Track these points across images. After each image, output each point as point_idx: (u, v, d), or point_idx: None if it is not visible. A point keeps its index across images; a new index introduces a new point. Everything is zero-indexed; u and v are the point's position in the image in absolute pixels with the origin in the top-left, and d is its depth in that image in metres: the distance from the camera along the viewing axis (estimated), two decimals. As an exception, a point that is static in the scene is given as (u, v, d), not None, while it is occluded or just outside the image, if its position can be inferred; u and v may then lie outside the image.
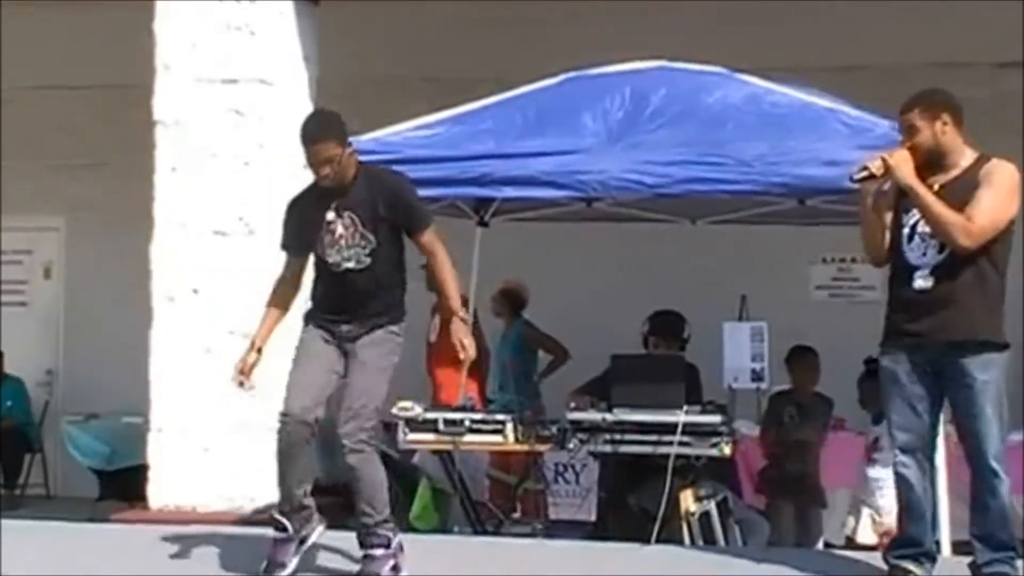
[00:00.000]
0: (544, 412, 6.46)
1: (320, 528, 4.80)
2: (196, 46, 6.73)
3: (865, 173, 4.48)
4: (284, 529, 4.70)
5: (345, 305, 4.65)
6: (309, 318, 4.77)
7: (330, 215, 4.60)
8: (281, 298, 4.82)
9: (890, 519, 6.17)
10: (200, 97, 6.69)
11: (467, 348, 4.68)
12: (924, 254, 4.41)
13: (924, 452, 4.47)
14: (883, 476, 6.34)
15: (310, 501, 4.76)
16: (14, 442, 9.77)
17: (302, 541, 4.74)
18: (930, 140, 4.44)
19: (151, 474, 6.60)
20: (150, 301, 6.69)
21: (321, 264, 4.69)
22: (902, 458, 4.45)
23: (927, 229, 4.41)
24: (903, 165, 4.41)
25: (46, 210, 10.15)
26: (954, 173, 4.44)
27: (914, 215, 4.43)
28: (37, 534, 5.90)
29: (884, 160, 4.44)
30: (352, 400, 4.54)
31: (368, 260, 4.60)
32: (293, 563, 4.68)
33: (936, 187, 4.40)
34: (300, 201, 4.77)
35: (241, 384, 4.71)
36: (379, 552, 4.58)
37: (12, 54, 8.89)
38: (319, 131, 4.58)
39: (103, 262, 9.69)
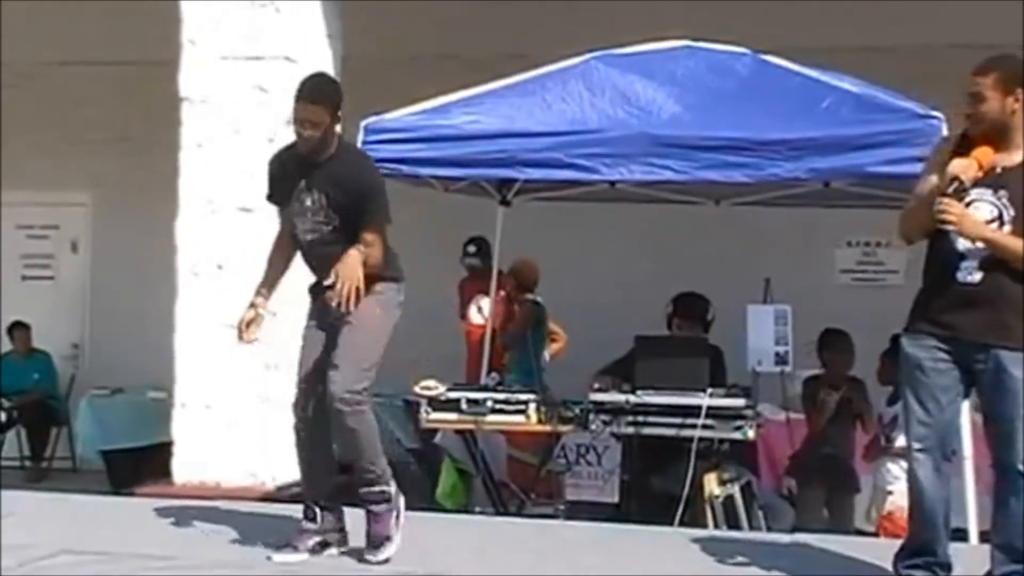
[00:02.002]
0: (550, 393, 6.45)
1: (338, 550, 4.69)
2: (221, 23, 6.72)
3: (957, 184, 4.01)
4: (312, 519, 4.68)
5: (320, 270, 4.59)
6: (310, 293, 4.74)
7: (302, 184, 4.59)
8: (279, 251, 4.77)
9: (893, 502, 6.15)
10: (225, 74, 6.69)
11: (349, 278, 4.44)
12: (975, 242, 4.08)
13: (943, 451, 4.14)
14: (896, 465, 6.31)
15: (337, 504, 4.69)
16: (41, 415, 9.86)
17: (324, 544, 4.67)
18: (996, 114, 4.07)
19: (175, 449, 6.63)
20: (175, 276, 6.71)
21: (294, 231, 4.67)
22: (918, 455, 4.13)
23: (982, 216, 4.08)
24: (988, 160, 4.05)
25: (73, 185, 10.22)
26: (1018, 158, 4.09)
27: (969, 195, 4.07)
28: (62, 507, 5.95)
29: (978, 162, 4.05)
30: (340, 364, 4.44)
31: (331, 236, 4.56)
32: (304, 555, 4.62)
33: (999, 170, 4.08)
34: (281, 158, 4.75)
35: (241, 338, 4.67)
36: (382, 508, 4.56)
37: (39, 30, 8.92)
38: (314, 92, 4.56)
39: (129, 237, 9.73)
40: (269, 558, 4.63)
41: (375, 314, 4.54)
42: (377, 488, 4.56)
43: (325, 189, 4.56)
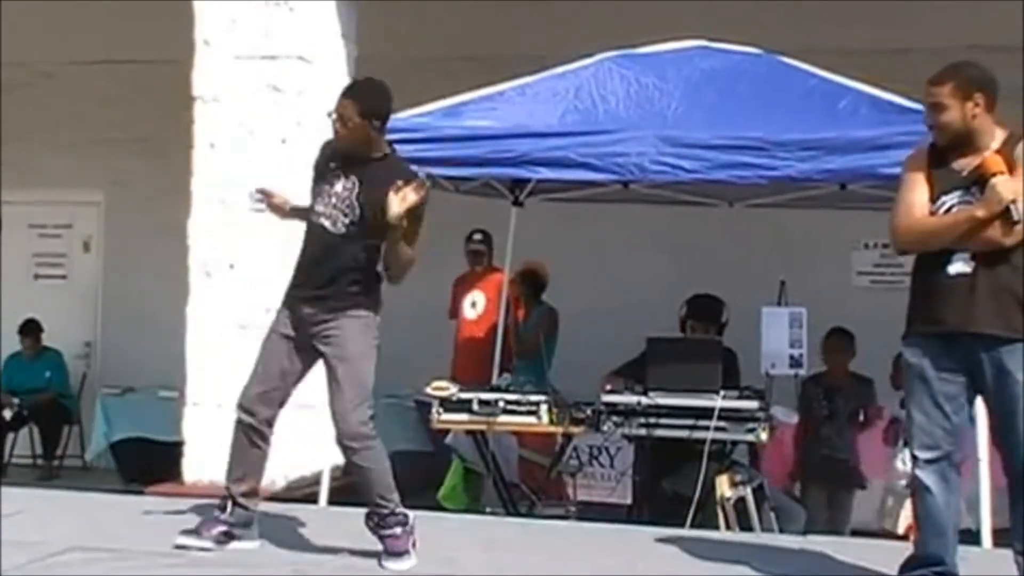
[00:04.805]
0: (561, 395, 6.42)
1: (252, 544, 4.79)
2: (236, 22, 6.72)
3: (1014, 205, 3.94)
4: (223, 509, 4.75)
5: (315, 271, 4.64)
6: (284, 296, 4.77)
7: (338, 171, 4.67)
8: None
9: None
10: (239, 73, 6.69)
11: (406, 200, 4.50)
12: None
13: (950, 460, 4.06)
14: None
15: (251, 505, 4.79)
16: (53, 414, 9.87)
17: (229, 535, 4.75)
18: (958, 122, 4.08)
19: (186, 448, 6.63)
20: (187, 276, 6.71)
21: (309, 218, 4.70)
22: (924, 465, 4.06)
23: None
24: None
25: (86, 184, 10.23)
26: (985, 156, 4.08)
27: (954, 196, 4.09)
28: (73, 505, 5.95)
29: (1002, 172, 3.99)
30: (343, 402, 4.53)
31: (344, 229, 4.60)
32: (208, 543, 4.71)
33: (965, 172, 4.08)
34: (330, 142, 4.83)
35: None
36: (399, 530, 4.59)
37: (53, 29, 8.94)
38: (348, 88, 4.81)
39: (142, 236, 9.75)
40: (177, 545, 4.70)
41: (362, 339, 4.60)
42: (392, 516, 4.60)
43: (360, 178, 4.63)
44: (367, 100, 4.65)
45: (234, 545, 4.75)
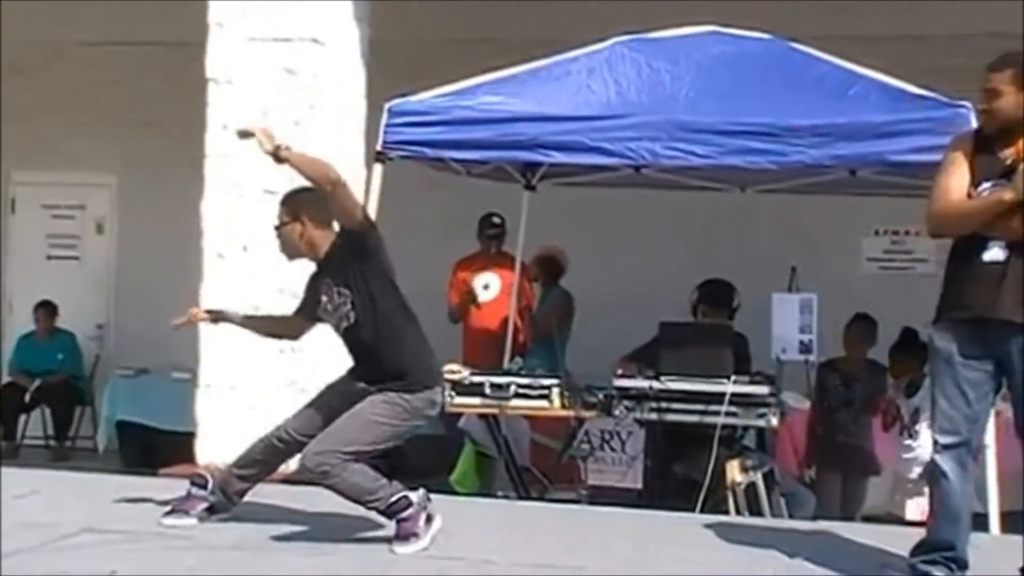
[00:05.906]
0: (573, 379, 6.44)
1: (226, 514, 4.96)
2: (249, 4, 6.72)
3: None
4: (204, 486, 4.91)
5: (361, 363, 4.78)
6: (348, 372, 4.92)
7: (318, 288, 4.82)
8: (275, 318, 5.22)
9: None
10: (252, 55, 6.68)
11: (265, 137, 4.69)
12: None
13: (968, 447, 4.04)
14: (919, 453, 6.32)
15: (236, 501, 4.97)
16: (65, 395, 9.90)
17: (211, 509, 4.93)
18: (1012, 109, 4.04)
19: (198, 430, 6.66)
20: (200, 258, 6.73)
21: (339, 336, 4.83)
22: (943, 450, 4.04)
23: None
24: None
25: (99, 166, 10.23)
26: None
27: (993, 183, 4.03)
28: (85, 486, 5.99)
29: None
30: (324, 440, 4.61)
31: (355, 314, 4.69)
32: (193, 520, 4.88)
33: (1008, 161, 4.04)
34: (308, 280, 4.97)
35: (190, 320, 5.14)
36: (406, 513, 4.62)
37: (67, 9, 8.94)
38: (282, 198, 4.89)
39: (155, 218, 9.76)
40: (160, 523, 4.85)
41: (385, 414, 4.65)
42: (391, 507, 4.61)
43: (328, 273, 4.77)
44: (296, 204, 4.79)
45: (219, 515, 4.93)
